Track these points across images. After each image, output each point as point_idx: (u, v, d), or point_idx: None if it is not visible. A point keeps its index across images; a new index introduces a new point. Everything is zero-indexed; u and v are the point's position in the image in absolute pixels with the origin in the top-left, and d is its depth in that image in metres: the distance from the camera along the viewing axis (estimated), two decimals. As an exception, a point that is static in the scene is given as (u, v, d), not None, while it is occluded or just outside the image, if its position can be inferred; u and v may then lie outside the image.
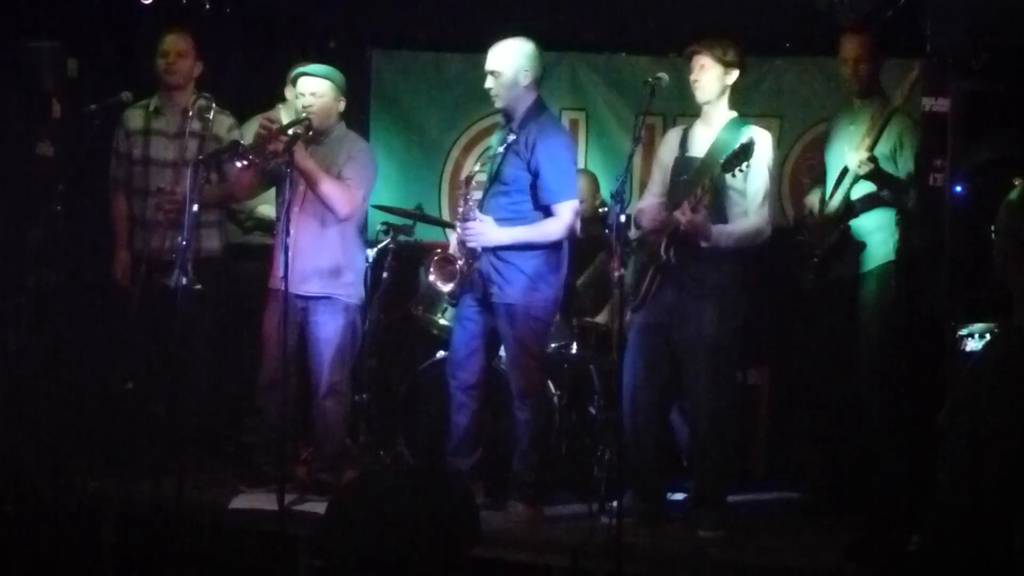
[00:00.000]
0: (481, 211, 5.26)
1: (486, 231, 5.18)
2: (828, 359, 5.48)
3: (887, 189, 5.23)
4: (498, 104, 5.31)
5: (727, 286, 5.13)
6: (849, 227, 5.31)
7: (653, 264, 5.15)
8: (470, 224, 5.20)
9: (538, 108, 5.30)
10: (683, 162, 5.28)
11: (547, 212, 5.22)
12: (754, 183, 5.10)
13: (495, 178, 5.29)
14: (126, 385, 5.49)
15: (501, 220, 5.21)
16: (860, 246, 5.31)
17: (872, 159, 5.14)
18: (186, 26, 5.78)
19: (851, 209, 5.31)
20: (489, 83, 5.26)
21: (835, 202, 5.34)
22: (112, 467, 5.59)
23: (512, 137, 5.23)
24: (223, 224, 5.85)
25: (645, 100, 5.00)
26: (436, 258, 5.37)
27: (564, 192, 5.22)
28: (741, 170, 4.95)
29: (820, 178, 5.60)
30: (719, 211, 5.11)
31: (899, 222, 5.29)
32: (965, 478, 3.98)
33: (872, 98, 5.37)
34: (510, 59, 5.23)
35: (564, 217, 5.20)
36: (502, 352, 5.54)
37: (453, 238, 5.46)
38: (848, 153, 5.27)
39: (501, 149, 5.27)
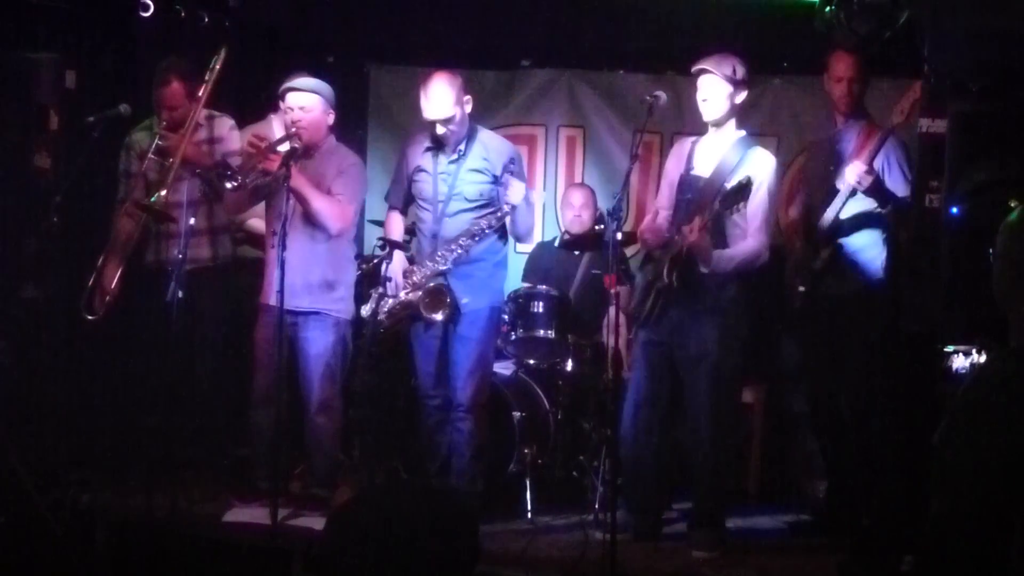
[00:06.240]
0: (443, 230, 5.34)
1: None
2: (818, 377, 5.49)
3: (886, 203, 5.21)
4: (449, 137, 5.33)
5: (728, 308, 5.10)
6: (841, 245, 5.29)
7: (656, 286, 5.13)
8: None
9: (474, 126, 5.45)
10: (688, 180, 5.25)
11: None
12: (753, 206, 5.06)
13: (454, 196, 5.36)
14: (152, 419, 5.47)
15: (471, 234, 5.30)
16: (850, 265, 5.29)
17: (871, 172, 5.12)
18: (179, 66, 5.71)
19: (841, 227, 5.29)
20: (440, 130, 5.29)
21: (826, 220, 5.30)
22: (106, 479, 5.57)
23: (458, 157, 5.35)
24: (215, 234, 5.81)
25: (643, 118, 5.03)
26: (428, 291, 5.35)
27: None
28: (738, 209, 4.94)
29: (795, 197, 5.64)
30: (719, 234, 5.09)
31: (886, 240, 5.32)
32: (960, 500, 3.97)
33: (857, 117, 5.38)
34: (453, 98, 5.26)
35: None
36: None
37: (396, 269, 5.47)
38: (840, 170, 5.25)
39: (446, 169, 5.36)
